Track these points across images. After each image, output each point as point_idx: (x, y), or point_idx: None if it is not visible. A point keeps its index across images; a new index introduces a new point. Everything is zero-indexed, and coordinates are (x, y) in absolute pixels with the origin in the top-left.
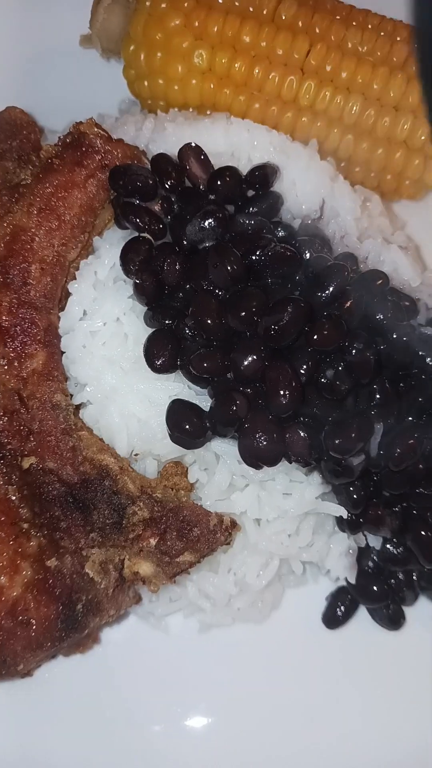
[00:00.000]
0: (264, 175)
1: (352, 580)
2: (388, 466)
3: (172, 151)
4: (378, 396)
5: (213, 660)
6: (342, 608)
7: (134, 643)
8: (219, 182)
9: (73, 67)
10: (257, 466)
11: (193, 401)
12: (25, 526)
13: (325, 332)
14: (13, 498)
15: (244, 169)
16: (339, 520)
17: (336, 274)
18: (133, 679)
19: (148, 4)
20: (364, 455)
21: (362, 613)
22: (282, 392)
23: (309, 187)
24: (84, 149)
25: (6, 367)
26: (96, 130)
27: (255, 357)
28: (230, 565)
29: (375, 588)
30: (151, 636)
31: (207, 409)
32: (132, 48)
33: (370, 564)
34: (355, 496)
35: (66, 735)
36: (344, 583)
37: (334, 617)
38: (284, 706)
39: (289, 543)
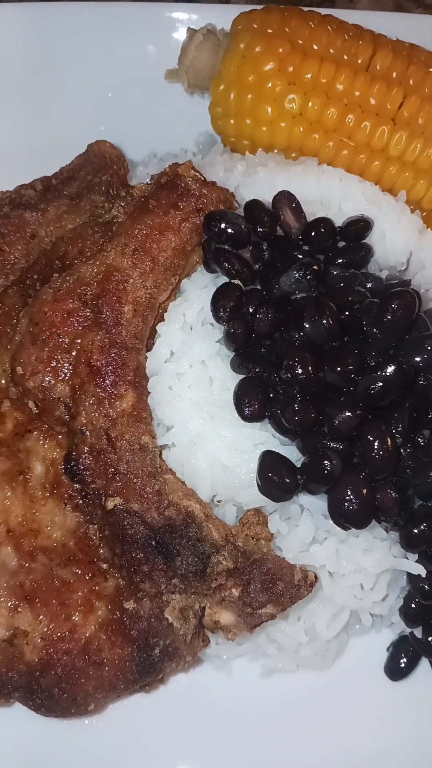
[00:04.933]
0: (359, 229)
1: (419, 635)
2: None
3: (263, 195)
4: None
5: (275, 704)
6: (405, 659)
7: (195, 682)
8: (314, 234)
9: (152, 100)
10: (345, 528)
11: (279, 451)
12: (104, 566)
13: None
14: (94, 537)
15: (333, 217)
16: (401, 610)
17: None
18: (195, 719)
19: (242, 46)
20: None
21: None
22: (380, 454)
23: (398, 240)
24: (180, 192)
25: (96, 406)
26: (193, 173)
27: (351, 414)
28: (300, 613)
29: None
30: (214, 676)
31: (293, 459)
32: (222, 87)
33: None
34: (427, 588)
35: None
36: (405, 633)
37: (397, 668)
38: (343, 752)
39: (363, 596)
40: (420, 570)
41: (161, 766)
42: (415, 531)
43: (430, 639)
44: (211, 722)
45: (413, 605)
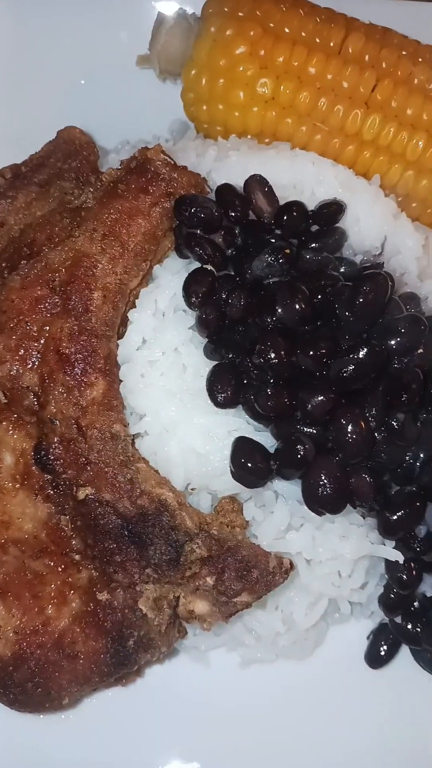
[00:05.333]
0: (332, 213)
1: (399, 621)
2: None
3: (235, 180)
4: None
5: (254, 693)
6: (385, 647)
7: (174, 674)
8: (286, 217)
9: (125, 86)
10: (320, 513)
11: (253, 437)
12: (77, 557)
13: (411, 391)
14: (65, 528)
15: (306, 202)
16: (380, 600)
17: (413, 326)
18: (173, 712)
19: (213, 30)
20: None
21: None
22: (353, 437)
23: (372, 224)
24: (150, 176)
25: (65, 395)
26: (163, 156)
27: (324, 398)
28: (277, 602)
29: (418, 630)
30: (191, 668)
31: (268, 445)
32: (193, 72)
33: (416, 605)
34: (405, 577)
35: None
36: (385, 620)
37: (377, 656)
38: (325, 743)
39: (340, 584)
40: (398, 556)
41: (139, 760)
42: (393, 518)
43: (409, 626)
44: (189, 714)
45: (392, 595)
